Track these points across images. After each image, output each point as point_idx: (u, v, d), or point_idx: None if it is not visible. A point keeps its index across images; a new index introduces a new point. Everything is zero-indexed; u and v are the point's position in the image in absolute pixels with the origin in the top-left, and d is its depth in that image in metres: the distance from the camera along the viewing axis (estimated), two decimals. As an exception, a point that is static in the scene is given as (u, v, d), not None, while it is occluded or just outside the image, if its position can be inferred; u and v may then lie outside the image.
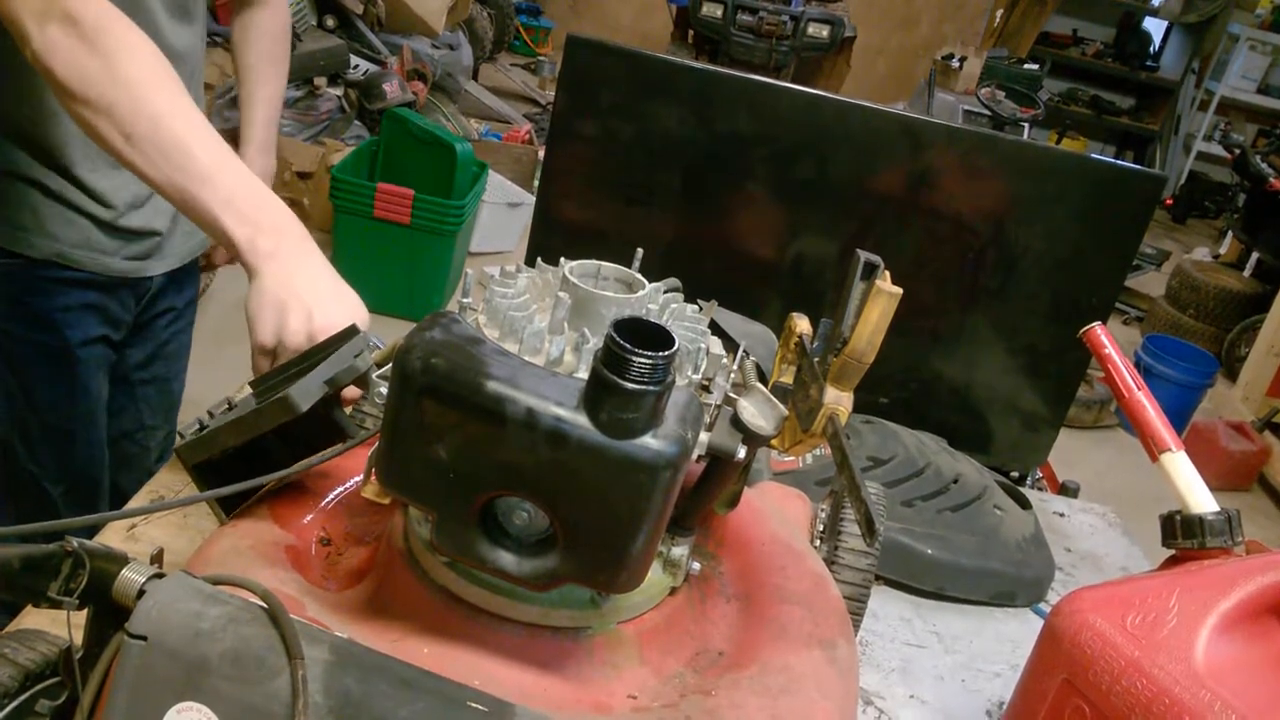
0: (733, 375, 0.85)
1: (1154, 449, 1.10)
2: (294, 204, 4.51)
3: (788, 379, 0.95)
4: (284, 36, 1.65)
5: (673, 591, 0.83)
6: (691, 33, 6.44)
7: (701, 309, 0.90)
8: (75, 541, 0.65)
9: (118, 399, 1.61)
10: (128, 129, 1.02)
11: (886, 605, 1.41)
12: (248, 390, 0.95)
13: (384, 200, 3.80)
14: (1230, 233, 6.21)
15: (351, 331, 0.93)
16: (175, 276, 1.57)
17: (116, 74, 1.03)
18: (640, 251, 0.90)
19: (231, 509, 0.90)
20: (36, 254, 1.37)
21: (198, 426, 0.91)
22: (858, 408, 0.88)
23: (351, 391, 0.93)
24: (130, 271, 1.47)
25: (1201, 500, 1.05)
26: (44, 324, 1.42)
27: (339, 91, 4.75)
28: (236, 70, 1.64)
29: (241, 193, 1.02)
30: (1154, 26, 8.69)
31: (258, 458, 0.89)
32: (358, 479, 0.95)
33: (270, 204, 1.04)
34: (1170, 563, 1.06)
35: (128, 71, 1.04)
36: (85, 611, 0.68)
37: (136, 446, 1.69)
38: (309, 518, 0.91)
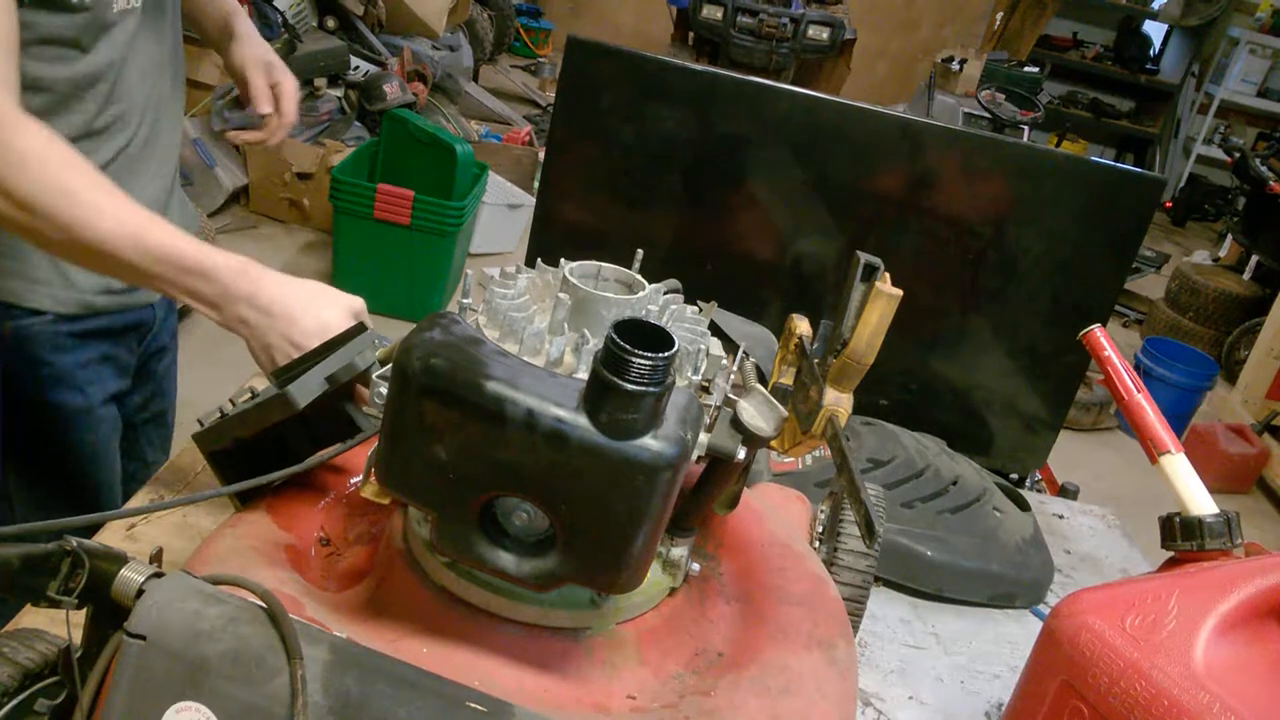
0: (732, 376, 0.85)
1: (1153, 451, 1.10)
2: (294, 205, 4.51)
3: (787, 380, 0.95)
4: None
5: (672, 592, 0.83)
6: (692, 34, 6.44)
7: (701, 310, 0.90)
8: (74, 541, 0.65)
9: (124, 442, 1.57)
10: (48, 242, 1.03)
11: (886, 606, 1.41)
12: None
13: (384, 201, 3.81)
14: (1230, 236, 6.21)
15: (359, 329, 0.96)
16: (162, 310, 1.54)
17: (19, 189, 0.99)
18: (640, 253, 0.90)
19: (246, 499, 0.91)
20: (61, 308, 1.32)
21: (218, 414, 0.93)
22: (857, 409, 0.88)
23: (364, 393, 0.94)
24: (138, 303, 1.44)
25: (1201, 502, 1.04)
26: (67, 383, 1.37)
27: (339, 93, 4.75)
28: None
29: (177, 274, 1.03)
30: (1154, 30, 8.69)
31: (275, 448, 0.90)
32: (357, 479, 0.95)
33: (208, 265, 1.03)
34: (1169, 565, 1.06)
35: (36, 178, 0.99)
36: (84, 611, 0.68)
37: (138, 486, 1.67)
38: (309, 518, 0.91)
